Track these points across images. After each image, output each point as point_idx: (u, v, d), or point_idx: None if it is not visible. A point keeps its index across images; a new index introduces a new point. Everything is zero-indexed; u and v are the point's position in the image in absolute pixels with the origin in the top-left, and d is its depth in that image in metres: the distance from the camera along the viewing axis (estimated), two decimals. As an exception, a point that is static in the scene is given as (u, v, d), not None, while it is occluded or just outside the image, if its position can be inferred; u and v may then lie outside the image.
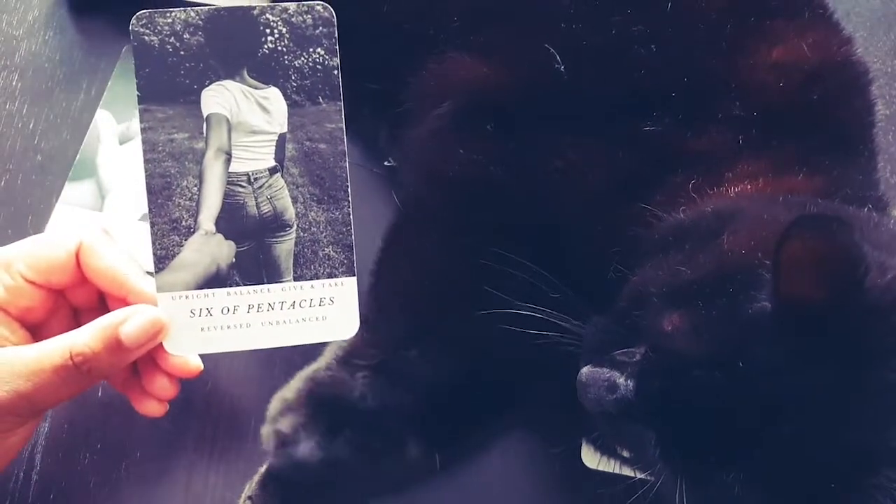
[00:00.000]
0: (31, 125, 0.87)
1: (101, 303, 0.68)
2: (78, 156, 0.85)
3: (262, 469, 0.71)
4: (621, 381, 0.57)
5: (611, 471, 0.69)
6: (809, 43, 0.71)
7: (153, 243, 0.63)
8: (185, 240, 0.63)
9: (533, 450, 0.75)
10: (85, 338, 0.61)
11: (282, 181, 0.63)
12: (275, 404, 0.72)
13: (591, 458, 0.73)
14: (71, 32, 0.91)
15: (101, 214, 0.82)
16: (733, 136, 0.67)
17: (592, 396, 0.58)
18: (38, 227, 0.81)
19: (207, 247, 0.63)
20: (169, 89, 0.62)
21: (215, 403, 0.73)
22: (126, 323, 0.62)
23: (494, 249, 0.71)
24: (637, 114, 0.69)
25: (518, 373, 0.72)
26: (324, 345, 0.71)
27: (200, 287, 0.63)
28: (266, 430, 0.71)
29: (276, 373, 0.74)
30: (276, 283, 0.64)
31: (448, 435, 0.72)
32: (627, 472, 0.69)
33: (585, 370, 0.59)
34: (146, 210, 0.81)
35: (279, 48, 0.62)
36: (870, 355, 0.51)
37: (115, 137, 0.86)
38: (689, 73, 0.70)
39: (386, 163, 0.81)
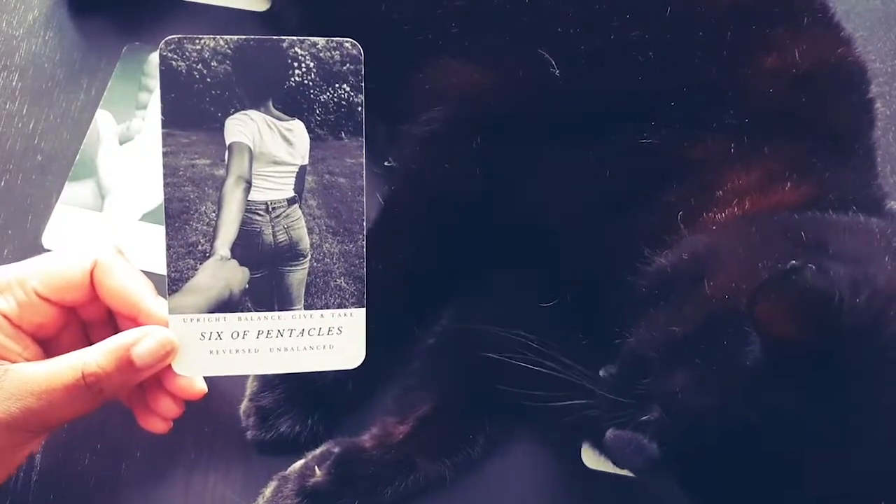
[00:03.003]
0: (31, 125, 0.77)
1: (111, 318, 0.60)
2: (78, 156, 0.76)
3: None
4: (646, 442, 0.51)
5: (611, 471, 0.64)
6: (803, 48, 0.64)
7: (168, 266, 0.55)
8: (200, 264, 0.55)
9: (533, 451, 0.68)
10: (97, 357, 0.54)
11: (299, 212, 0.56)
12: (253, 382, 0.66)
13: (591, 459, 0.67)
14: (71, 32, 0.82)
15: (101, 214, 0.74)
16: (726, 144, 0.60)
17: (621, 458, 0.52)
18: (38, 227, 0.73)
19: (222, 272, 0.56)
20: (193, 115, 0.54)
21: (214, 402, 0.65)
22: (138, 344, 0.54)
23: (474, 261, 0.65)
24: (634, 123, 0.62)
25: (517, 376, 0.65)
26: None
27: (212, 311, 0.56)
28: (245, 406, 0.65)
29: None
30: (287, 310, 0.57)
31: (453, 446, 0.66)
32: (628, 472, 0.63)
33: (609, 434, 0.53)
34: (147, 210, 0.75)
35: (306, 82, 0.54)
36: (868, 379, 0.46)
37: (115, 137, 0.77)
38: (687, 81, 0.62)
39: (385, 163, 0.73)
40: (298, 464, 0.64)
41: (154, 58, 0.80)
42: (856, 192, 0.60)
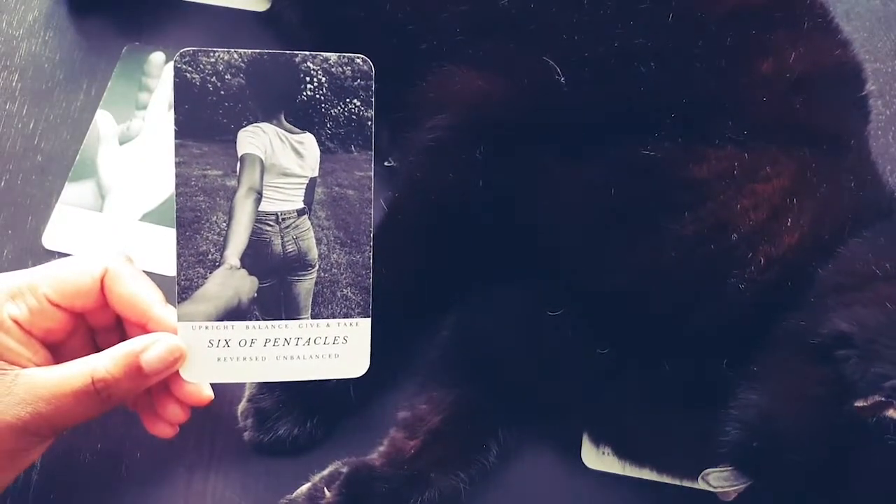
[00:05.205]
0: (31, 125, 0.77)
1: (119, 324, 0.60)
2: (78, 156, 0.76)
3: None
4: None
5: (611, 471, 0.65)
6: (800, 52, 0.63)
7: (178, 273, 0.55)
8: (210, 273, 0.56)
9: (533, 451, 0.68)
10: (106, 364, 0.54)
11: (308, 223, 0.57)
12: (253, 383, 0.66)
13: (591, 459, 0.67)
14: (71, 32, 0.81)
15: (101, 214, 0.73)
16: (730, 164, 0.59)
17: None
18: (38, 227, 0.72)
19: (231, 281, 0.56)
20: (206, 127, 0.54)
21: (215, 402, 0.64)
22: (147, 351, 0.55)
23: (477, 268, 0.65)
24: (637, 135, 0.61)
25: (518, 377, 0.66)
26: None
27: (221, 319, 0.56)
28: (244, 407, 0.65)
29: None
30: (294, 319, 0.57)
31: (467, 457, 0.65)
32: (629, 472, 0.65)
33: None
34: (147, 210, 0.75)
35: (317, 96, 0.55)
36: None
37: (115, 137, 0.77)
38: (687, 92, 0.62)
39: (386, 163, 0.73)
40: (305, 487, 0.63)
41: (154, 58, 0.80)
42: (851, 202, 0.60)
